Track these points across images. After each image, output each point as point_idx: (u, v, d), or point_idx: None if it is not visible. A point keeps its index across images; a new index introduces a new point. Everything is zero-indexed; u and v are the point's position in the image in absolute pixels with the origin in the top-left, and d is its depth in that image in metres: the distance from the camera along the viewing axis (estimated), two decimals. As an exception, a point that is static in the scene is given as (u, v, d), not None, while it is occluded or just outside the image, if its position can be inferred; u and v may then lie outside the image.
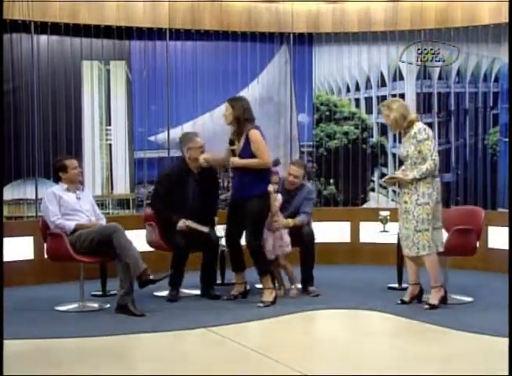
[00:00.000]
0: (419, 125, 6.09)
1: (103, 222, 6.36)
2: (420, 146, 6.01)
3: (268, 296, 6.20)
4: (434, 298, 6.08)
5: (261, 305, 6.13)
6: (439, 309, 5.99)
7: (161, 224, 6.54)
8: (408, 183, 6.05)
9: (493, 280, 7.15)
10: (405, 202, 6.08)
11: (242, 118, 6.09)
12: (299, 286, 6.68)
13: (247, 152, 6.07)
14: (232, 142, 6.16)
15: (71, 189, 6.25)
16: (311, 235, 6.70)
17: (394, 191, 8.23)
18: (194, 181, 6.56)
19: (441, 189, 6.14)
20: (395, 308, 6.06)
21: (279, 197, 6.41)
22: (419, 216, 6.00)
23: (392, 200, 8.34)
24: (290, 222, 6.55)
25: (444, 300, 6.12)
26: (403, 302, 6.19)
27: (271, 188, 6.20)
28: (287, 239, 6.45)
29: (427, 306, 6.05)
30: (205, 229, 6.44)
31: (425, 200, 6.00)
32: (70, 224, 6.08)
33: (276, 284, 6.55)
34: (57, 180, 6.36)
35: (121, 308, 5.90)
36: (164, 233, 6.52)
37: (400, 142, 7.83)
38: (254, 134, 6.06)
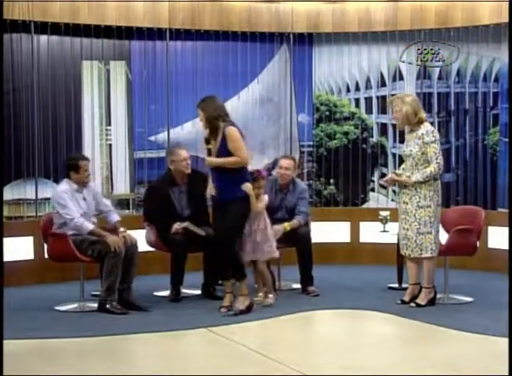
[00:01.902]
0: (427, 127, 6.06)
1: (115, 216, 6.30)
2: (426, 148, 5.97)
3: (242, 303, 5.82)
4: (423, 298, 6.09)
5: (231, 312, 5.75)
6: (442, 310, 6.00)
7: (157, 227, 6.56)
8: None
9: (493, 280, 7.15)
10: (405, 203, 6.07)
11: (213, 117, 5.73)
12: (271, 296, 6.16)
13: (225, 150, 5.69)
14: (207, 141, 5.79)
15: (80, 190, 6.15)
16: (306, 235, 6.67)
17: (394, 191, 8.22)
18: (180, 192, 6.58)
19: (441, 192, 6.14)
20: (395, 308, 6.06)
21: (266, 198, 6.12)
22: (421, 219, 5.99)
23: (392, 200, 8.33)
24: (287, 226, 6.47)
25: (433, 302, 6.12)
26: (403, 302, 6.19)
27: (249, 187, 5.75)
28: (273, 243, 6.13)
29: (413, 305, 6.07)
30: (202, 232, 6.44)
31: (427, 202, 5.99)
32: (88, 226, 6.03)
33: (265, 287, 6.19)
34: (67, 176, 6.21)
35: (101, 307, 5.94)
36: (161, 234, 6.53)
37: (400, 142, 7.84)
38: (231, 131, 5.68)
